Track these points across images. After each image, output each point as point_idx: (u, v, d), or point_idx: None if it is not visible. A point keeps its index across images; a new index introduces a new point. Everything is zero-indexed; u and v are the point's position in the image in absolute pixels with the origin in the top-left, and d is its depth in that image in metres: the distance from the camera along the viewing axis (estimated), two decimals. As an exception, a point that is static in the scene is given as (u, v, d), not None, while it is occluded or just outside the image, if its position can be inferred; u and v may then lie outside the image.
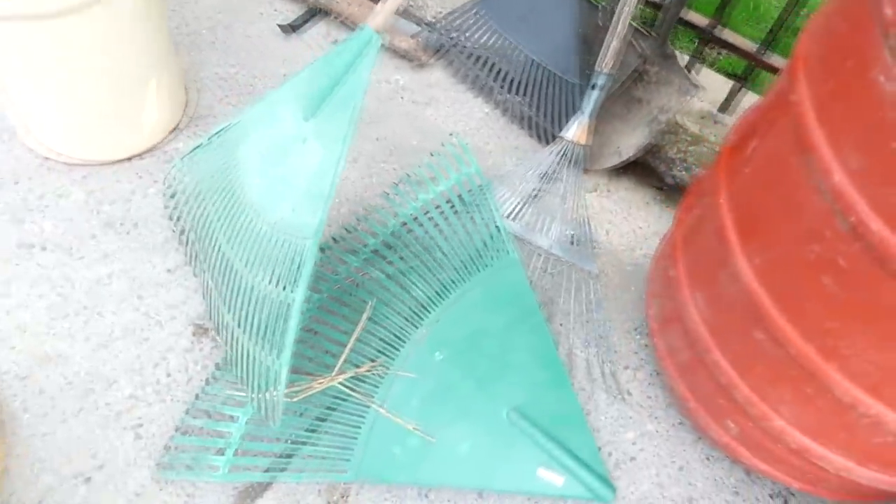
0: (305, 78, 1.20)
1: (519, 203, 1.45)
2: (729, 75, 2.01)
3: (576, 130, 1.39)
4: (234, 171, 1.27)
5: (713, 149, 1.69)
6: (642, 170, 1.71)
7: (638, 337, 1.46)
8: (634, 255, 1.59)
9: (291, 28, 1.90)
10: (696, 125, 1.74)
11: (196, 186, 1.38)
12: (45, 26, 1.23)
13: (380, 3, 1.16)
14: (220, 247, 1.25)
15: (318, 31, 1.94)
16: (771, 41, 1.66)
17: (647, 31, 1.60)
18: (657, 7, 1.63)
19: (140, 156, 1.60)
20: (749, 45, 1.70)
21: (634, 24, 1.53)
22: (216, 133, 1.37)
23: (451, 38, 1.82)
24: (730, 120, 1.78)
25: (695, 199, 1.19)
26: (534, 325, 1.31)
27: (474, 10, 1.75)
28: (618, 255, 1.58)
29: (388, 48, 1.88)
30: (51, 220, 1.47)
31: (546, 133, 1.68)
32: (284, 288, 1.07)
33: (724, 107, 1.82)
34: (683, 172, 1.66)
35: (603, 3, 1.65)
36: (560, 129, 1.62)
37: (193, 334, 1.37)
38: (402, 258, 1.34)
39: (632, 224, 1.64)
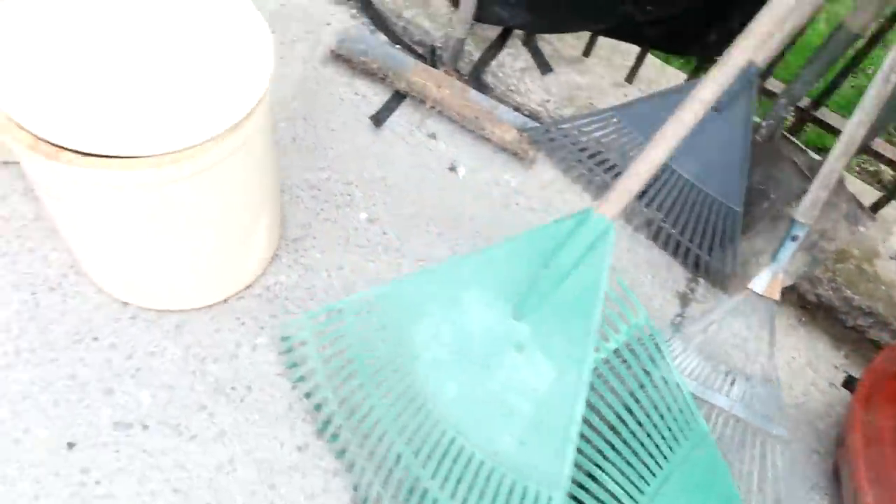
0: (506, 261, 1.01)
1: (694, 358, 1.30)
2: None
3: (768, 284, 1.24)
4: (407, 360, 1.07)
5: (860, 266, 1.58)
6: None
7: (817, 497, 1.35)
8: (794, 393, 1.46)
9: (379, 119, 1.68)
10: (836, 237, 1.62)
11: (342, 360, 1.17)
12: (152, 191, 0.98)
13: (613, 187, 0.97)
14: (400, 458, 1.05)
15: (408, 120, 1.71)
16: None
17: (804, 147, 1.47)
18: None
19: (238, 294, 1.37)
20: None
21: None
22: (361, 298, 1.16)
23: (576, 143, 1.61)
24: (872, 226, 1.67)
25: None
26: (735, 512, 1.18)
27: (611, 117, 1.56)
28: (776, 393, 1.46)
29: (488, 138, 1.68)
30: (147, 387, 1.23)
31: (688, 253, 1.53)
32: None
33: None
34: (830, 292, 1.55)
35: (763, 123, 1.47)
36: (710, 255, 1.47)
37: (344, 533, 1.17)
38: (597, 450, 1.16)
39: (783, 354, 1.51)
